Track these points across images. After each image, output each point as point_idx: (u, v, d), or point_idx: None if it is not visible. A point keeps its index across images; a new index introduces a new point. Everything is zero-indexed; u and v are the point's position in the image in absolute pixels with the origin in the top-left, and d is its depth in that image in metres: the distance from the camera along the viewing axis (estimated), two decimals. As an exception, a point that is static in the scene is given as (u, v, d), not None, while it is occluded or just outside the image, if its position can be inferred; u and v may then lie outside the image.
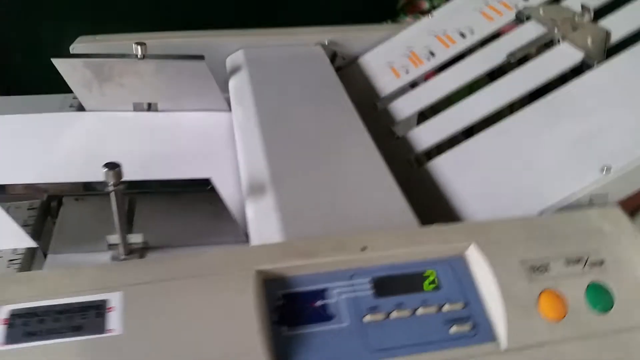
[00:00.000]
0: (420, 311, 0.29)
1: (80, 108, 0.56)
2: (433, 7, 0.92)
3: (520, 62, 0.47)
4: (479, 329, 0.29)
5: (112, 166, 0.34)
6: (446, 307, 0.29)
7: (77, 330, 0.26)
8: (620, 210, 0.34)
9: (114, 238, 0.37)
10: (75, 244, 0.38)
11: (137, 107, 0.55)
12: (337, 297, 0.29)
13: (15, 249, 0.38)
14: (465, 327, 0.29)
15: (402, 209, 0.36)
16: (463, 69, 0.50)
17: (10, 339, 0.25)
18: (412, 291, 0.30)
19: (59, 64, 0.51)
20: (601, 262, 0.31)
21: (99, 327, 0.26)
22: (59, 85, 0.53)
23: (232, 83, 0.55)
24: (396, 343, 0.28)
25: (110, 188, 0.34)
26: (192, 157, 0.49)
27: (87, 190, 0.37)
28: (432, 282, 0.30)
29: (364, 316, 0.29)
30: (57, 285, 0.27)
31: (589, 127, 0.39)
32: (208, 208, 0.40)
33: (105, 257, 0.38)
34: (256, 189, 0.38)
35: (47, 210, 0.42)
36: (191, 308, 0.27)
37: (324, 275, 0.30)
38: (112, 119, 0.53)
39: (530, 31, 0.50)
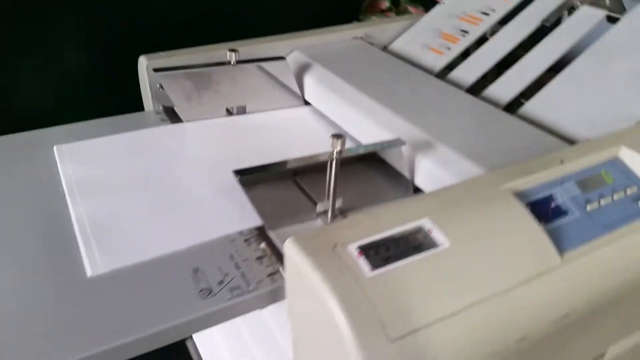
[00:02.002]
0: (615, 196, 0.39)
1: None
2: (394, 5, 1.04)
3: (553, 26, 0.59)
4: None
5: (338, 137, 0.39)
6: (629, 191, 0.39)
7: (417, 249, 0.32)
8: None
9: (323, 205, 0.42)
10: (284, 219, 0.42)
11: (228, 112, 0.58)
12: (562, 198, 0.38)
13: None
14: (649, 200, 0.39)
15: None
16: (506, 35, 0.61)
17: (374, 265, 0.30)
18: (603, 185, 0.39)
19: (162, 77, 0.53)
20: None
21: (432, 243, 0.32)
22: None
23: (308, 78, 0.61)
24: (612, 219, 0.37)
25: (334, 155, 0.39)
26: (312, 142, 0.54)
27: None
28: (610, 177, 0.40)
29: (585, 206, 0.37)
30: (376, 223, 0.33)
31: None
32: (370, 173, 0.47)
33: (315, 224, 0.42)
34: (421, 146, 0.45)
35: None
36: (480, 222, 0.34)
37: (546, 184, 0.38)
38: (223, 125, 0.57)
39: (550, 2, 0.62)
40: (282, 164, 0.40)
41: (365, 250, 0.31)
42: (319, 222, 0.42)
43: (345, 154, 0.39)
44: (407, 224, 0.33)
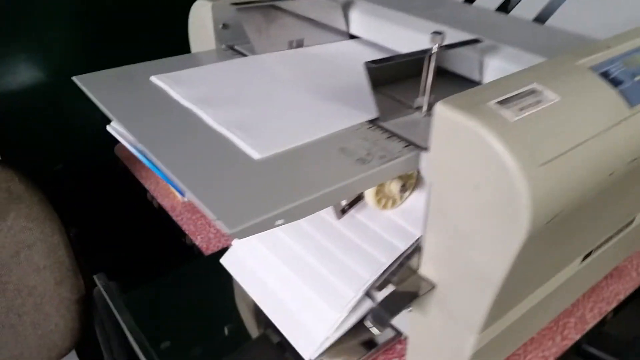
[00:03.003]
0: (652, 70, 0.49)
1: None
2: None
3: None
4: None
5: (438, 33, 0.47)
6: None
7: (538, 103, 0.40)
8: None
9: (420, 100, 0.50)
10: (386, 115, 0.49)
11: (289, 45, 0.64)
12: (616, 72, 0.47)
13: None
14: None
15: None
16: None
17: (514, 113, 0.39)
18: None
19: (240, 12, 0.58)
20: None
21: (547, 99, 0.41)
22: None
23: (353, 12, 0.67)
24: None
25: (434, 49, 0.47)
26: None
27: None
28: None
29: (634, 78, 0.48)
30: (497, 89, 0.41)
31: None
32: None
33: (414, 117, 0.50)
34: (486, 49, 0.54)
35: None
36: (571, 84, 0.43)
37: (603, 63, 0.48)
38: (295, 55, 0.63)
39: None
40: (402, 56, 0.47)
41: (502, 104, 0.39)
42: (416, 115, 0.50)
43: (446, 49, 0.47)
44: (522, 88, 0.41)
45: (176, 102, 0.51)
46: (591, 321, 0.66)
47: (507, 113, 0.39)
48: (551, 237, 0.43)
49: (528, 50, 0.52)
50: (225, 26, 0.62)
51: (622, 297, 0.69)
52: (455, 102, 0.39)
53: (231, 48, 0.65)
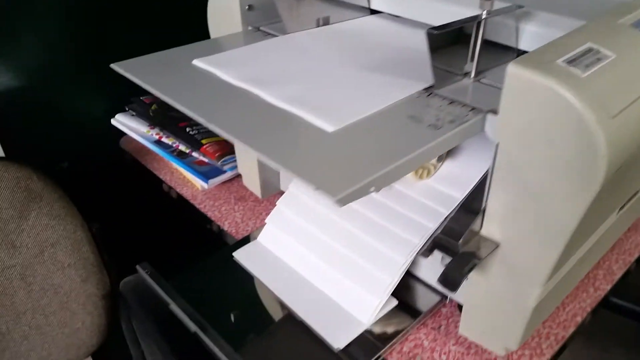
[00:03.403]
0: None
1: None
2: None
3: None
4: None
5: None
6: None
7: (599, 60, 0.42)
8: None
9: (468, 67, 0.51)
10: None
11: (317, 23, 0.64)
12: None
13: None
14: None
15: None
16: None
17: (581, 70, 0.40)
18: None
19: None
20: None
21: (605, 57, 0.43)
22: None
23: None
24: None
25: (483, 15, 0.48)
26: (407, 38, 0.62)
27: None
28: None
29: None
30: (556, 49, 0.42)
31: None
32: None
33: (463, 83, 0.51)
34: (520, 15, 0.56)
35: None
36: (622, 41, 0.45)
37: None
38: (327, 32, 0.63)
39: None
40: (456, 22, 0.48)
41: (569, 63, 0.41)
42: (465, 81, 0.51)
43: (492, 15, 0.49)
44: (579, 48, 0.43)
45: (228, 83, 0.51)
46: (618, 272, 0.69)
47: (576, 70, 0.40)
48: (609, 187, 0.45)
49: (563, 14, 0.54)
50: (250, 7, 0.62)
51: (642, 247, 0.73)
52: (528, 63, 0.40)
53: (257, 29, 0.64)
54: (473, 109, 0.46)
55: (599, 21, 0.48)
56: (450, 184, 0.59)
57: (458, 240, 0.49)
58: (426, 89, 0.49)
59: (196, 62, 0.55)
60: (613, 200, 0.54)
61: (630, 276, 0.72)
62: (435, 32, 0.45)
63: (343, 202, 0.35)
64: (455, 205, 0.57)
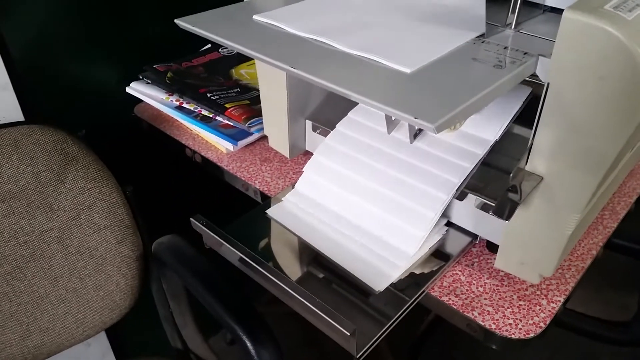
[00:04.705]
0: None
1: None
2: None
3: None
4: None
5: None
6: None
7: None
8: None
9: (511, 17, 0.56)
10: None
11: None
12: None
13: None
14: None
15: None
16: None
17: (629, 12, 0.46)
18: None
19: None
20: None
21: (643, 3, 0.48)
22: None
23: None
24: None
25: None
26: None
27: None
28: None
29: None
30: None
31: None
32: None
33: (505, 33, 0.56)
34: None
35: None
36: None
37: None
38: None
39: None
40: None
41: (615, 8, 0.47)
42: (508, 31, 0.57)
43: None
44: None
45: (296, 35, 0.54)
46: (621, 212, 0.77)
47: (623, 14, 0.46)
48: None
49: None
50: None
51: (638, 190, 0.81)
52: (582, 8, 0.46)
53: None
54: (526, 53, 0.51)
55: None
56: (478, 131, 0.65)
57: (501, 186, 0.55)
58: (478, 37, 0.54)
59: (257, 17, 0.58)
60: (638, 134, 0.60)
61: (630, 218, 0.80)
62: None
63: (440, 128, 0.40)
64: (487, 148, 0.62)
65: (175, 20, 0.56)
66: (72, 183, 0.75)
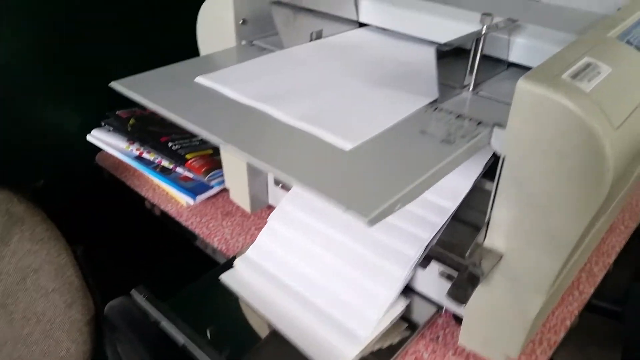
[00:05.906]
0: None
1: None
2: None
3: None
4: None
5: (488, 15, 0.49)
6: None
7: (598, 74, 0.44)
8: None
9: (468, 79, 0.53)
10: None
11: (310, 37, 0.65)
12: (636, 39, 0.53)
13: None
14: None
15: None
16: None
17: (584, 84, 0.42)
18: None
19: (275, 6, 0.58)
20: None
21: (603, 70, 0.45)
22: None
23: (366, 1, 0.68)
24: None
25: (484, 30, 0.50)
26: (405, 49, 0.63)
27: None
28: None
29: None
30: (559, 64, 0.44)
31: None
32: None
33: (463, 96, 0.53)
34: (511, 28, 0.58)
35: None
36: (614, 54, 0.47)
37: (624, 32, 0.53)
38: (324, 46, 0.64)
39: None
40: (461, 38, 0.49)
41: (573, 77, 0.43)
42: (465, 94, 0.53)
43: (491, 30, 0.50)
44: (579, 62, 0.45)
45: (235, 101, 0.50)
46: (599, 274, 0.72)
47: (581, 85, 0.42)
48: (608, 195, 0.48)
49: (549, 27, 0.56)
50: (244, 22, 0.62)
51: (618, 249, 0.77)
52: (537, 79, 0.42)
53: (251, 44, 0.64)
54: (480, 123, 0.47)
55: (591, 35, 0.51)
56: (439, 195, 0.60)
57: (463, 254, 0.50)
58: (431, 103, 0.51)
59: (200, 80, 0.54)
60: (605, 207, 0.56)
61: (609, 278, 0.75)
62: (446, 48, 0.46)
63: (374, 221, 0.36)
64: (448, 215, 0.58)
65: (110, 84, 0.52)
66: (16, 245, 0.71)
